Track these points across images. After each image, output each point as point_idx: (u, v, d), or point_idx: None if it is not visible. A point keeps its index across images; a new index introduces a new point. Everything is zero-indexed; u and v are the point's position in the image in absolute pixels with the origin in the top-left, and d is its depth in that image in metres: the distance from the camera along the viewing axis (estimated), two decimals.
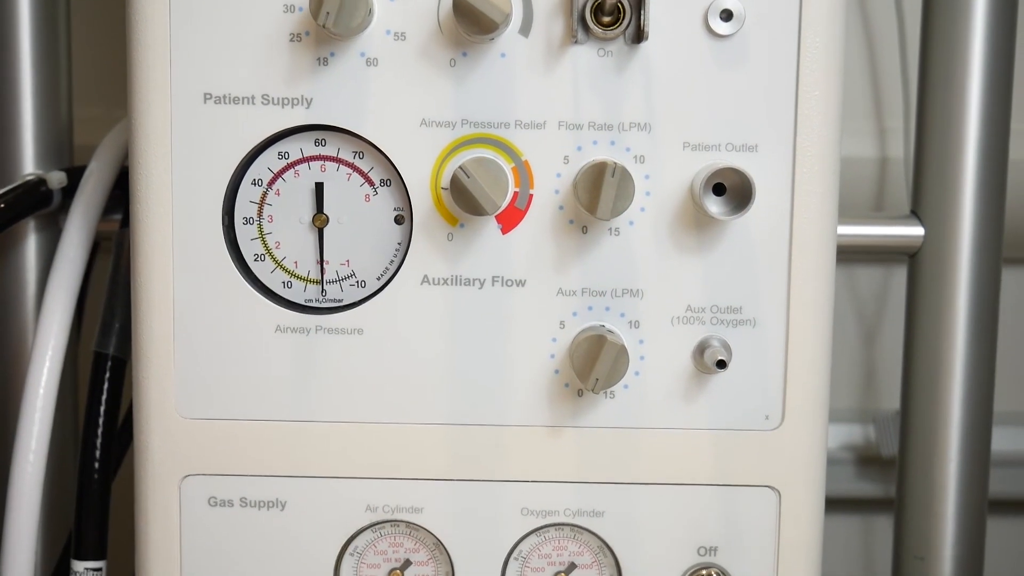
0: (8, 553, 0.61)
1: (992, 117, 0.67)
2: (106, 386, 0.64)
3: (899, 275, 0.99)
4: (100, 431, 0.63)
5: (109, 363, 0.64)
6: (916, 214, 0.70)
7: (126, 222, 0.67)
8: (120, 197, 0.68)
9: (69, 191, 0.67)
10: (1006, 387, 0.92)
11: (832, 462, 0.94)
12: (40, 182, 0.67)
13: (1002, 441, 0.82)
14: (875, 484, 1.00)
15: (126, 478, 0.66)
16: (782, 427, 0.57)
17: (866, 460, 1.00)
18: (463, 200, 0.54)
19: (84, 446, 0.63)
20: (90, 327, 0.68)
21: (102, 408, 0.63)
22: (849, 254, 0.79)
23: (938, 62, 0.68)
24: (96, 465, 0.63)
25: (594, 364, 0.54)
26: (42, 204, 0.67)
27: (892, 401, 0.97)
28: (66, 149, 0.72)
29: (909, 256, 0.70)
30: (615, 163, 0.53)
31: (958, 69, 0.67)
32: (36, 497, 0.62)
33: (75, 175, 0.67)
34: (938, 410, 0.69)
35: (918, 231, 0.69)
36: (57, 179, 0.67)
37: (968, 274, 0.68)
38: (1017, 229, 0.82)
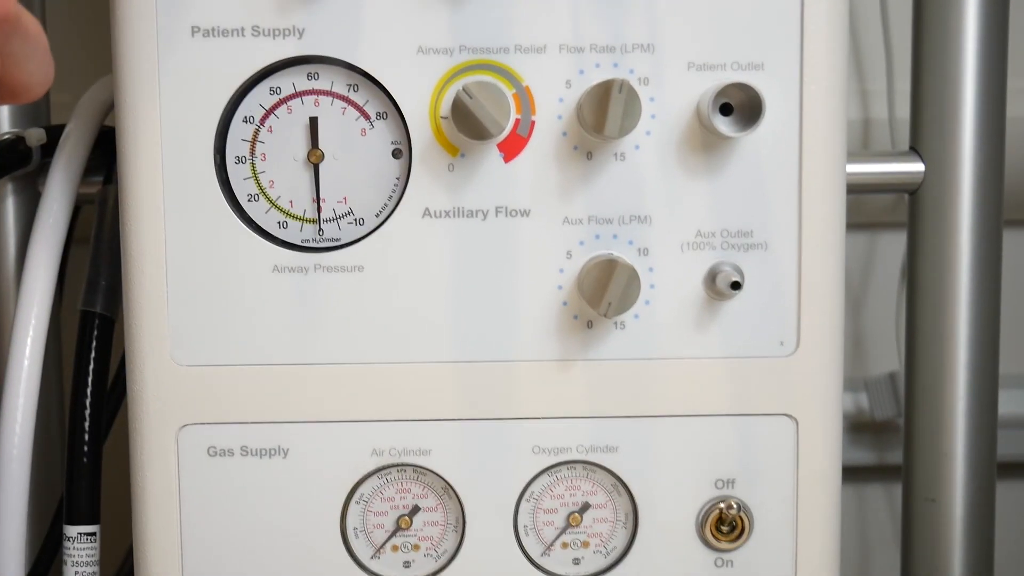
0: None
1: (989, 49, 0.66)
2: (94, 344, 0.61)
3: (884, 242, 0.99)
4: (89, 390, 0.61)
5: (97, 321, 0.61)
6: (916, 150, 0.68)
7: (109, 180, 0.65)
8: (101, 158, 0.66)
9: (48, 150, 0.65)
10: (1010, 351, 0.91)
11: None
12: (18, 140, 0.64)
13: (1008, 404, 0.81)
14: (868, 451, 0.99)
15: (117, 441, 0.64)
16: (797, 353, 0.56)
17: (858, 427, 0.98)
18: (466, 123, 0.52)
19: (74, 406, 0.61)
20: (71, 293, 0.66)
21: (91, 367, 0.61)
22: (849, 193, 0.77)
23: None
24: (86, 425, 0.60)
25: (606, 288, 0.53)
26: (21, 163, 0.65)
27: (881, 368, 0.96)
28: (43, 108, 0.70)
29: (909, 193, 0.69)
30: (622, 80, 0.52)
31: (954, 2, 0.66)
32: (26, 462, 0.59)
33: (54, 133, 0.65)
34: (944, 345, 0.68)
35: (918, 167, 0.68)
36: (36, 136, 0.65)
37: (969, 209, 0.67)
38: (1017, 190, 0.82)
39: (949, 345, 0.67)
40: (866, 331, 1.01)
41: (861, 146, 0.94)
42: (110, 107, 0.64)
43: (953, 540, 0.68)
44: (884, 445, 0.99)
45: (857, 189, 0.69)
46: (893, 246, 0.97)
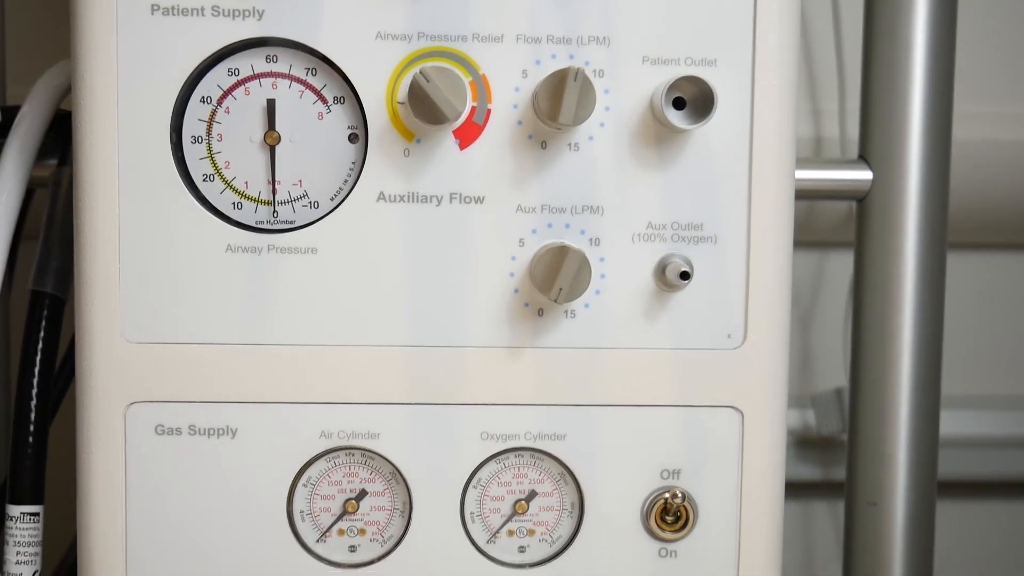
0: None
1: (937, 59, 0.68)
2: (43, 324, 0.61)
3: (833, 260, 1.00)
4: (37, 369, 0.60)
5: (47, 301, 0.61)
6: (864, 159, 0.70)
7: (63, 162, 0.65)
8: (55, 142, 0.66)
9: (2, 131, 0.65)
10: (953, 373, 0.92)
11: None
12: None
13: (951, 424, 0.82)
14: (814, 467, 1.00)
15: (65, 425, 0.63)
16: (744, 346, 0.57)
17: (804, 443, 0.99)
18: (422, 107, 0.52)
19: (20, 385, 0.60)
20: (21, 278, 0.66)
21: (39, 347, 0.61)
22: (798, 199, 0.79)
23: (883, 5, 0.68)
24: (32, 403, 0.60)
25: (557, 273, 0.53)
26: None
27: (828, 384, 0.97)
28: None
29: (858, 201, 0.70)
30: (578, 68, 0.52)
31: (902, 12, 0.68)
32: None
33: (8, 115, 0.65)
34: (888, 351, 0.69)
35: (866, 175, 0.69)
36: None
37: (916, 216, 0.68)
38: (961, 214, 0.83)
39: (894, 348, 0.68)
40: (814, 348, 1.02)
41: None
42: (66, 91, 0.64)
43: (894, 543, 0.69)
44: (830, 461, 0.99)
45: (807, 195, 0.70)
46: (842, 264, 0.98)
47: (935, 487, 0.70)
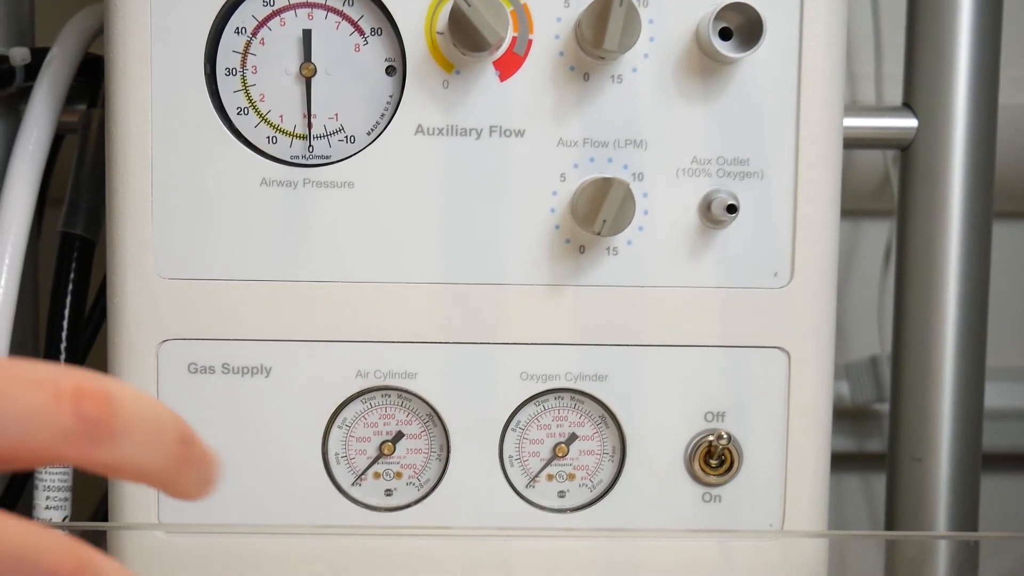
0: None
1: (984, 4, 0.66)
2: (73, 266, 0.60)
3: (866, 229, 0.98)
4: (67, 312, 0.59)
5: (77, 243, 0.60)
6: (909, 106, 0.68)
7: (92, 104, 0.64)
8: (84, 86, 0.65)
9: (31, 72, 0.64)
10: (995, 346, 0.90)
11: None
12: (1, 59, 0.63)
13: (992, 397, 0.80)
14: (846, 439, 0.98)
15: (96, 367, 0.62)
16: (791, 285, 0.55)
17: (836, 415, 0.97)
18: (463, 33, 0.51)
19: (50, 329, 0.59)
20: (51, 224, 0.65)
21: (69, 288, 0.60)
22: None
23: None
24: (63, 346, 0.59)
25: (601, 205, 0.52)
26: (3, 83, 0.64)
27: (861, 354, 0.96)
28: (28, 29, 0.69)
29: (901, 150, 0.68)
30: None
31: None
32: None
33: (38, 56, 0.64)
34: (933, 305, 0.67)
35: (911, 123, 0.67)
36: (20, 55, 0.63)
37: (962, 165, 0.67)
38: (1010, 182, 0.82)
39: (939, 299, 0.66)
40: (847, 318, 1.00)
41: None
42: (96, 34, 0.63)
43: (939, 498, 0.67)
44: (863, 432, 0.98)
45: (849, 144, 0.68)
46: (875, 233, 0.97)
47: (980, 441, 0.69)
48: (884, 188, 0.90)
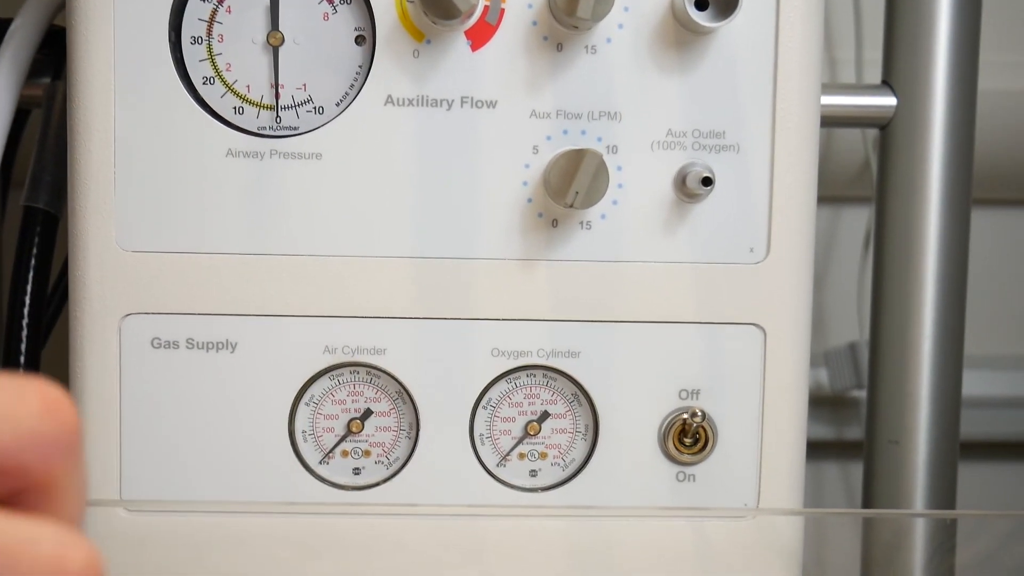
0: None
1: None
2: (36, 241, 0.58)
3: (846, 215, 0.98)
4: (29, 288, 0.58)
5: (40, 217, 0.59)
6: (888, 84, 0.67)
7: (57, 77, 0.63)
8: (48, 58, 0.63)
9: None
10: (972, 334, 0.90)
11: None
12: None
13: (968, 385, 0.80)
14: (825, 426, 0.97)
15: (59, 348, 0.61)
16: (767, 260, 0.54)
17: (815, 402, 0.97)
18: (433, 0, 0.50)
19: (11, 305, 0.58)
20: (15, 203, 0.63)
21: (32, 263, 0.58)
22: (820, 126, 0.77)
23: None
24: (24, 323, 0.58)
25: (574, 176, 0.51)
26: None
27: (841, 341, 0.95)
28: None
29: (880, 128, 0.68)
30: None
31: None
32: None
33: (0, 28, 0.62)
34: (911, 286, 0.66)
35: (890, 100, 0.67)
36: None
37: (941, 144, 0.66)
38: (987, 169, 0.81)
39: (918, 277, 0.65)
40: (827, 306, 0.99)
41: None
42: (60, 6, 0.62)
43: (916, 481, 0.66)
44: (841, 420, 0.97)
45: (828, 122, 0.67)
46: (855, 219, 0.96)
47: (958, 424, 0.68)
48: (864, 174, 0.89)
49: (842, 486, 1.01)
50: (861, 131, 0.86)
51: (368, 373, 0.55)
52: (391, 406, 0.55)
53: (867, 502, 0.68)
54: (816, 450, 0.99)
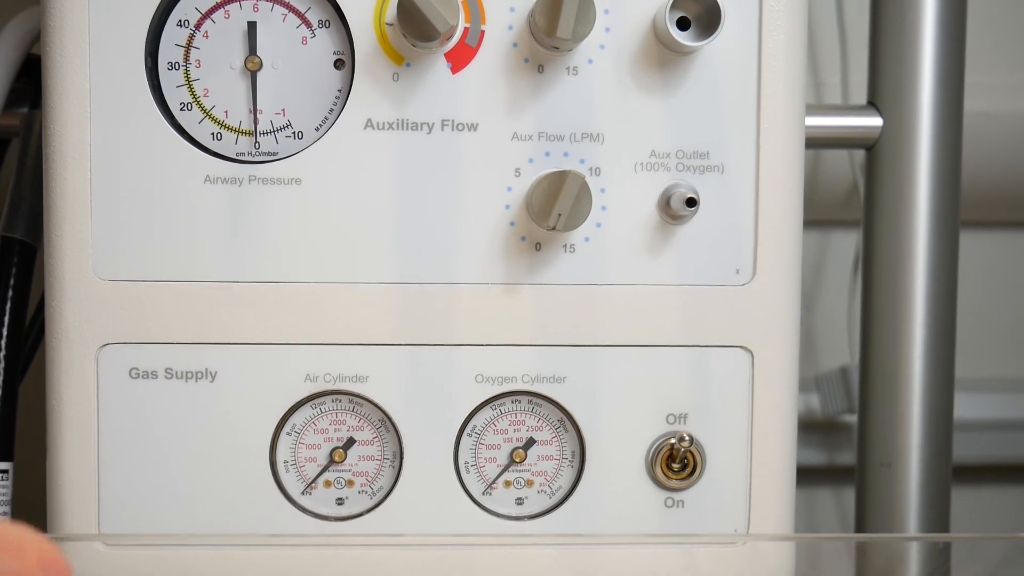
0: None
1: (949, 2, 0.65)
2: (14, 271, 0.58)
3: (835, 239, 0.97)
4: (7, 319, 0.57)
5: (18, 247, 0.58)
6: (874, 104, 0.67)
7: (35, 105, 0.62)
8: (26, 88, 0.63)
9: None
10: (964, 357, 0.89)
11: None
12: None
13: (959, 408, 0.80)
14: (817, 452, 0.96)
15: (39, 380, 0.60)
16: (753, 282, 0.54)
17: (806, 427, 0.96)
18: (411, 21, 0.50)
19: None
20: None
21: (9, 294, 0.57)
22: (806, 147, 0.76)
23: None
24: (2, 355, 0.57)
25: (556, 199, 0.50)
26: None
27: (832, 365, 0.94)
28: None
29: (867, 149, 0.67)
30: None
31: None
32: None
33: None
34: (901, 309, 0.66)
35: (876, 121, 0.66)
36: None
37: (928, 164, 0.65)
38: (976, 191, 0.80)
39: (907, 297, 0.65)
40: (817, 330, 0.99)
41: None
42: (37, 36, 0.62)
43: (909, 504, 0.65)
44: (833, 445, 0.96)
45: (814, 144, 0.67)
46: (844, 243, 0.96)
47: (950, 445, 0.67)
48: (852, 198, 0.89)
49: (836, 512, 1.00)
50: (848, 155, 0.86)
51: (350, 401, 0.54)
52: (374, 434, 0.54)
53: (860, 526, 0.68)
54: (809, 476, 0.98)
